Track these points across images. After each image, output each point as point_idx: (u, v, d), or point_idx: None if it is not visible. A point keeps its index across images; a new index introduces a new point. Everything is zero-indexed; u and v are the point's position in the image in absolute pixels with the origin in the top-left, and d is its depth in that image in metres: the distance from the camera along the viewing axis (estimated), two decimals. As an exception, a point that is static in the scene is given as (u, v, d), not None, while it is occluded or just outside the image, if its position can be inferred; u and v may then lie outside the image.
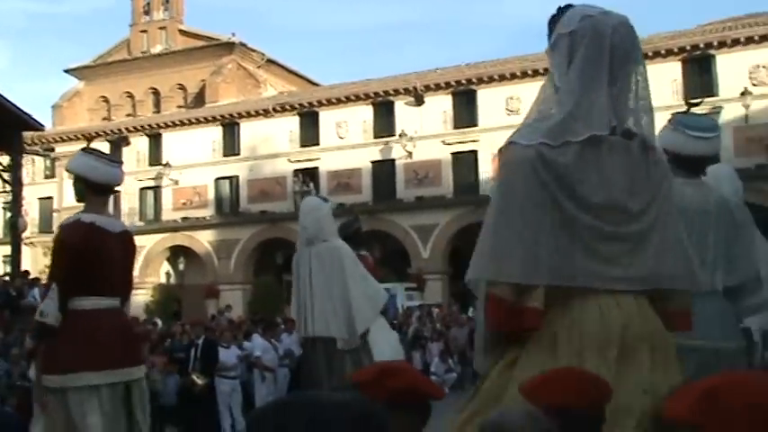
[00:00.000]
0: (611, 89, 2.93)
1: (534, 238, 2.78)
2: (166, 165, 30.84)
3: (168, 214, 31.11)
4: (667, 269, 2.91)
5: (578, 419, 2.09)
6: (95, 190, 4.87)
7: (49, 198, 32.10)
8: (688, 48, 24.91)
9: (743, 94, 23.48)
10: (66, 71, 38.85)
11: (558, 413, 2.03)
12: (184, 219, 30.66)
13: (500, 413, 1.68)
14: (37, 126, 14.09)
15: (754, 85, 23.92)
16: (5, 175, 13.74)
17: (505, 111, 26.43)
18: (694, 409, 1.34)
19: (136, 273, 33.33)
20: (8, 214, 14.10)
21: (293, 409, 1.14)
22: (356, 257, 6.54)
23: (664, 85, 22.73)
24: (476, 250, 2.77)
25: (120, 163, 5.17)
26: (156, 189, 31.42)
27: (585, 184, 2.84)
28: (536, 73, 26.01)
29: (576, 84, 2.91)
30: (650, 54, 23.03)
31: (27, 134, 15.42)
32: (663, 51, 24.60)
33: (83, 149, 5.06)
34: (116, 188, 5.01)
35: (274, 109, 29.93)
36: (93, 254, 4.72)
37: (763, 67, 24.10)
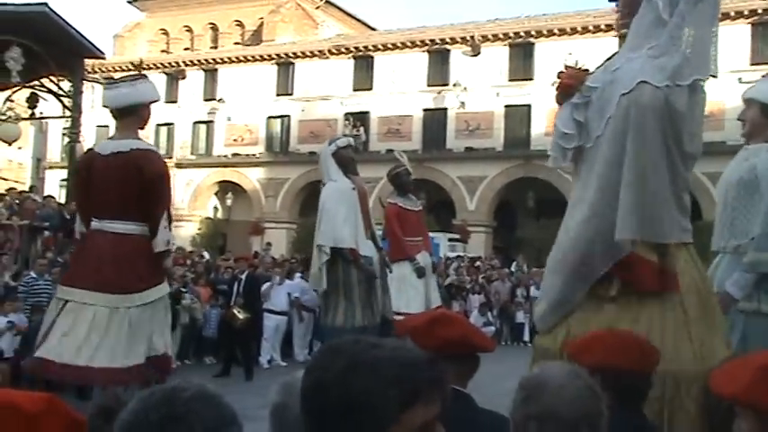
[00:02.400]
0: (715, 29, 2.81)
1: (666, 194, 2.73)
2: (220, 100, 31.09)
3: (219, 149, 31.49)
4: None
5: (622, 381, 2.07)
6: (114, 116, 5.06)
7: (106, 126, 32.73)
8: (760, 11, 23.84)
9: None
10: (129, 2, 39.10)
11: (602, 373, 1.98)
12: (235, 155, 31.00)
13: (541, 369, 1.66)
14: (98, 54, 14.26)
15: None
16: (66, 101, 14.01)
17: (563, 66, 25.72)
18: (753, 388, 1.31)
19: (183, 205, 33.71)
20: (66, 139, 14.37)
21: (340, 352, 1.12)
22: (342, 198, 6.60)
23: (732, 48, 21.87)
24: (622, 206, 2.72)
25: (117, 83, 5.19)
26: (209, 124, 31.75)
27: (686, 133, 2.77)
28: (597, 29, 25.26)
29: (692, 19, 2.76)
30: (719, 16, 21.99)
31: (88, 62, 15.63)
32: (732, 14, 23.60)
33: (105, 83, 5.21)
34: (125, 109, 5.05)
35: (330, 51, 29.75)
36: (84, 178, 4.91)
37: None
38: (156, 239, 4.84)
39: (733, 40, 22.79)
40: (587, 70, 2.94)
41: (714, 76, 2.79)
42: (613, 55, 3.06)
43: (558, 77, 2.85)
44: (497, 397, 2.95)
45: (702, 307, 2.83)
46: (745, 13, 23.79)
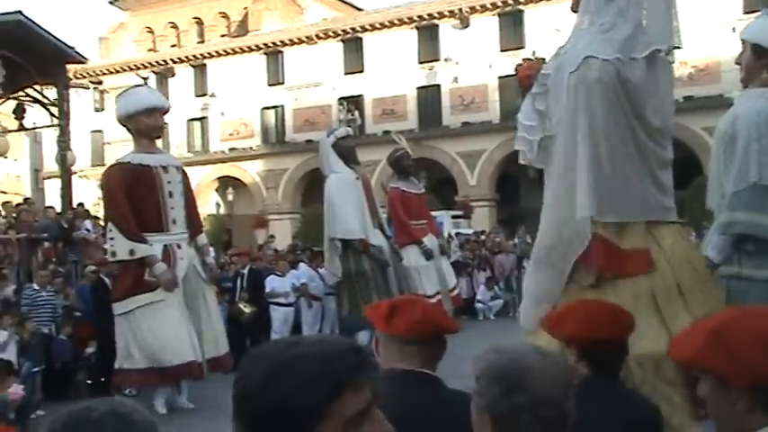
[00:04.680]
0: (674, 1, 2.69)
1: (629, 171, 2.60)
2: (212, 95, 30.89)
3: (216, 145, 31.36)
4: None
5: (598, 350, 2.05)
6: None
7: (100, 131, 32.60)
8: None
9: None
10: (111, 2, 38.82)
11: (578, 344, 2.04)
12: (232, 149, 30.87)
13: (507, 355, 1.55)
14: (80, 59, 14.12)
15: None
16: (53, 110, 13.87)
17: (555, 32, 25.50)
18: (704, 351, 1.31)
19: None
20: (58, 148, 14.26)
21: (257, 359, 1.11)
22: (348, 190, 6.57)
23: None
24: (579, 188, 2.61)
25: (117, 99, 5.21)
26: (203, 120, 31.60)
27: (648, 106, 2.65)
28: (587, -10, 24.88)
29: None
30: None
31: (74, 67, 15.49)
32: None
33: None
34: (122, 123, 5.04)
35: (317, 36, 29.50)
36: None
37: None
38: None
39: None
40: (543, 59, 2.83)
41: (678, 47, 2.66)
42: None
43: (516, 71, 2.74)
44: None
45: (697, 282, 2.72)
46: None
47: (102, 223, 14.60)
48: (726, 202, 3.19)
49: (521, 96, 2.76)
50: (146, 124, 5.06)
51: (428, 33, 27.72)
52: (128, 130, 5.07)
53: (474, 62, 26.52)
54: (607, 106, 2.61)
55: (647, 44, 2.66)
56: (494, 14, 26.71)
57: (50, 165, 32.79)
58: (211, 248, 19.18)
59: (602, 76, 2.60)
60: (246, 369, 1.10)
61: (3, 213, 13.09)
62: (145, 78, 5.48)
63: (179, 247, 5.15)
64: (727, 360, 1.28)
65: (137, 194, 4.97)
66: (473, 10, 26.77)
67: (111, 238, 4.96)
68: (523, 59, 2.83)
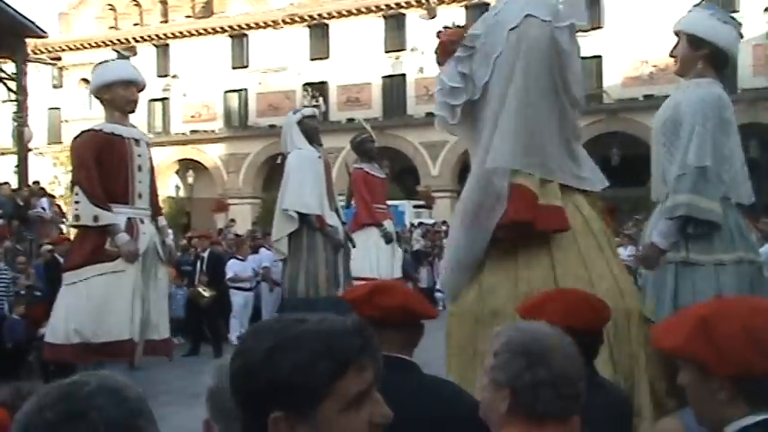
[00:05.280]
0: None
1: (552, 129, 2.64)
2: (174, 77, 30.41)
3: (177, 127, 30.92)
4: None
5: (577, 340, 2.04)
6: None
7: (57, 109, 31.88)
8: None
9: (767, 10, 22.65)
10: (72, -23, 37.85)
11: None
12: (193, 132, 30.47)
13: (531, 332, 1.59)
14: (40, 33, 13.78)
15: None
16: (10, 84, 13.54)
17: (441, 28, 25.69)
18: (690, 340, 1.32)
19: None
20: (15, 124, 13.92)
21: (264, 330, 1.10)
22: (309, 166, 6.54)
23: None
24: (499, 133, 2.59)
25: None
26: (164, 101, 31.11)
27: (570, 73, 2.69)
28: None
29: None
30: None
31: (33, 42, 15.11)
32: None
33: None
34: (95, 96, 5.07)
35: (284, 21, 29.23)
36: None
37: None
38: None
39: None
40: (464, 27, 2.86)
41: (584, 31, 2.77)
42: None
43: (438, 37, 2.73)
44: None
45: (597, 247, 2.80)
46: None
47: (57, 202, 14.34)
48: (670, 186, 3.19)
49: (438, 64, 2.73)
50: (122, 96, 4.98)
51: (395, 22, 27.68)
52: (101, 101, 4.98)
53: (440, 53, 26.58)
54: (542, 66, 2.64)
55: (568, 15, 2.74)
56: (461, 5, 26.78)
57: (4, 141, 31.97)
58: (170, 231, 19.04)
59: (540, 35, 2.64)
60: (248, 343, 1.08)
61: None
62: (126, 56, 5.46)
63: (142, 222, 5.07)
64: (713, 349, 1.29)
65: (107, 163, 4.88)
66: (440, 1, 26.81)
67: (77, 202, 4.86)
68: (444, 27, 2.81)
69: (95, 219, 4.81)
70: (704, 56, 3.33)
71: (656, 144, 3.39)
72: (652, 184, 3.46)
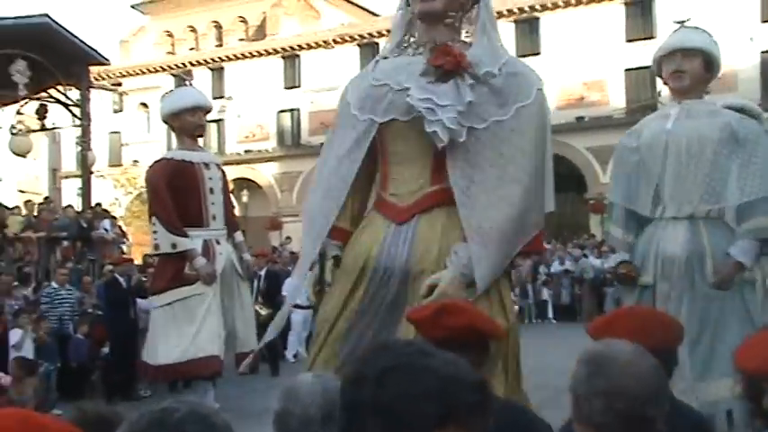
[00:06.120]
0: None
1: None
2: (229, 98, 31.07)
3: (232, 147, 31.51)
4: None
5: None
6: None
7: (117, 132, 32.87)
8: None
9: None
10: (133, 6, 39.15)
11: None
12: (247, 151, 31.01)
13: (605, 345, 1.62)
14: (103, 61, 14.25)
15: None
16: (75, 110, 14.02)
17: (570, 38, 25.50)
18: None
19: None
20: (78, 148, 14.41)
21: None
22: None
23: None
24: (549, 182, 2.88)
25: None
26: (220, 122, 31.77)
27: None
28: (604, -3, 24.94)
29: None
30: None
31: (95, 69, 15.62)
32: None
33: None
34: (165, 122, 5.18)
35: (334, 40, 29.60)
36: None
37: None
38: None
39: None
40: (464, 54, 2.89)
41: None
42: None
43: (453, 51, 2.71)
44: (525, 374, 2.88)
45: None
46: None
47: (119, 223, 14.77)
48: (752, 207, 3.28)
49: (441, 80, 2.66)
50: (189, 122, 5.16)
51: (445, 39, 27.79)
52: (171, 128, 5.18)
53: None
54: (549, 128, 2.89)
55: None
56: (510, 20, 26.71)
57: (68, 165, 33.09)
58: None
59: (545, 103, 2.91)
60: (371, 355, 1.05)
61: (24, 212, 13.24)
62: (188, 80, 5.65)
63: (218, 242, 5.20)
64: None
65: (179, 189, 5.04)
66: (490, 16, 26.80)
67: (155, 232, 5.04)
68: (447, 45, 2.78)
69: (173, 246, 4.98)
70: (709, 79, 3.46)
71: (698, 155, 3.45)
72: (665, 194, 3.49)
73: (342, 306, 2.62)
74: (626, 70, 23.20)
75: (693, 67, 3.53)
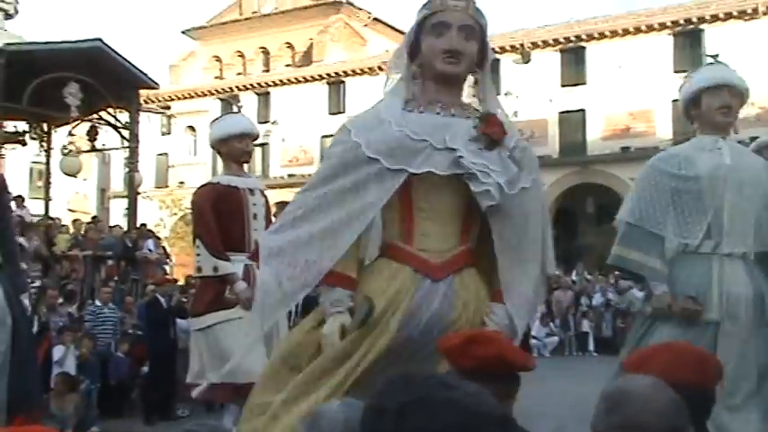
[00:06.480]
0: None
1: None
2: (274, 123, 31.53)
3: (276, 171, 31.91)
4: None
5: (684, 395, 1.97)
6: None
7: (165, 154, 33.56)
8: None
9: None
10: (183, 32, 40.19)
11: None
12: (291, 176, 31.33)
13: (625, 380, 1.63)
14: (152, 85, 14.61)
15: None
16: (124, 132, 14.39)
17: (617, 68, 25.32)
18: None
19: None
20: (126, 169, 14.75)
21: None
22: None
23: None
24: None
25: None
26: (264, 146, 32.22)
27: None
28: (649, 28, 24.78)
29: None
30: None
31: (145, 92, 16.03)
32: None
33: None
34: (213, 148, 5.28)
35: (380, 67, 29.87)
36: None
37: None
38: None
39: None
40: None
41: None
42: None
43: (496, 123, 2.74)
44: (564, 408, 2.83)
45: None
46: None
47: (163, 244, 15.01)
48: None
49: (489, 149, 2.71)
50: (237, 148, 5.23)
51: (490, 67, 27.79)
52: (218, 153, 5.27)
53: (534, 96, 26.46)
54: None
55: None
56: (555, 50, 26.66)
57: (116, 185, 33.85)
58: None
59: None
60: (392, 387, 1.04)
61: (71, 231, 13.56)
62: (237, 105, 5.79)
63: (258, 268, 5.26)
64: None
65: (224, 213, 5.12)
66: (534, 45, 26.79)
67: (198, 254, 5.12)
68: (493, 116, 2.82)
69: (215, 269, 5.04)
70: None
71: (753, 195, 3.47)
72: (727, 233, 3.46)
73: (363, 353, 2.55)
74: (673, 101, 22.93)
75: (736, 106, 3.54)
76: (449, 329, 2.47)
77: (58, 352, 7.95)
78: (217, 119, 5.71)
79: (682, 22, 24.70)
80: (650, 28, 24.82)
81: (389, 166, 2.60)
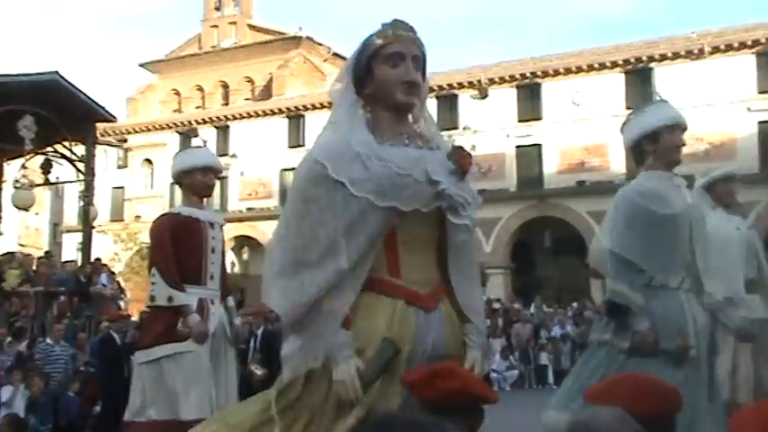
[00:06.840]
0: None
1: None
2: (233, 156, 31.39)
3: (234, 204, 31.69)
4: None
5: (647, 426, 1.92)
6: None
7: (121, 188, 33.09)
8: (763, 40, 23.91)
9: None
10: (141, 65, 39.92)
11: None
12: (249, 209, 31.16)
13: (588, 413, 1.64)
14: (110, 118, 14.49)
15: None
16: (80, 165, 14.17)
17: (571, 104, 25.92)
18: None
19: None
20: (81, 203, 14.50)
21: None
22: None
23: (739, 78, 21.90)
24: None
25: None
26: (223, 180, 32.01)
27: None
28: (602, 66, 25.45)
29: None
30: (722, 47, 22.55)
31: (101, 125, 15.86)
32: (736, 45, 23.76)
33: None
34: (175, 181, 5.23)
35: (339, 102, 30.11)
36: None
37: None
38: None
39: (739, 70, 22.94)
40: None
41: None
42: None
43: (465, 155, 2.81)
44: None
45: None
46: (749, 43, 23.89)
47: (117, 279, 14.72)
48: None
49: (458, 176, 2.78)
50: (200, 181, 5.16)
51: (447, 102, 28.15)
52: (179, 185, 5.19)
53: (492, 131, 26.87)
54: None
55: None
56: (512, 86, 27.18)
57: (70, 219, 33.22)
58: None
59: None
60: (378, 428, 1.06)
61: (21, 266, 13.20)
62: (204, 140, 5.81)
63: (212, 302, 5.14)
64: None
65: (182, 244, 5.01)
66: (491, 81, 27.27)
67: (153, 283, 4.98)
68: (464, 150, 2.89)
69: (170, 299, 4.92)
70: None
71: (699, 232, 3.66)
72: (687, 272, 3.61)
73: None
74: (626, 136, 23.51)
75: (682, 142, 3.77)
76: (445, 359, 2.47)
77: (6, 392, 7.68)
78: (181, 151, 5.66)
79: (632, 60, 25.44)
80: (603, 66, 25.50)
81: (380, 204, 2.58)
